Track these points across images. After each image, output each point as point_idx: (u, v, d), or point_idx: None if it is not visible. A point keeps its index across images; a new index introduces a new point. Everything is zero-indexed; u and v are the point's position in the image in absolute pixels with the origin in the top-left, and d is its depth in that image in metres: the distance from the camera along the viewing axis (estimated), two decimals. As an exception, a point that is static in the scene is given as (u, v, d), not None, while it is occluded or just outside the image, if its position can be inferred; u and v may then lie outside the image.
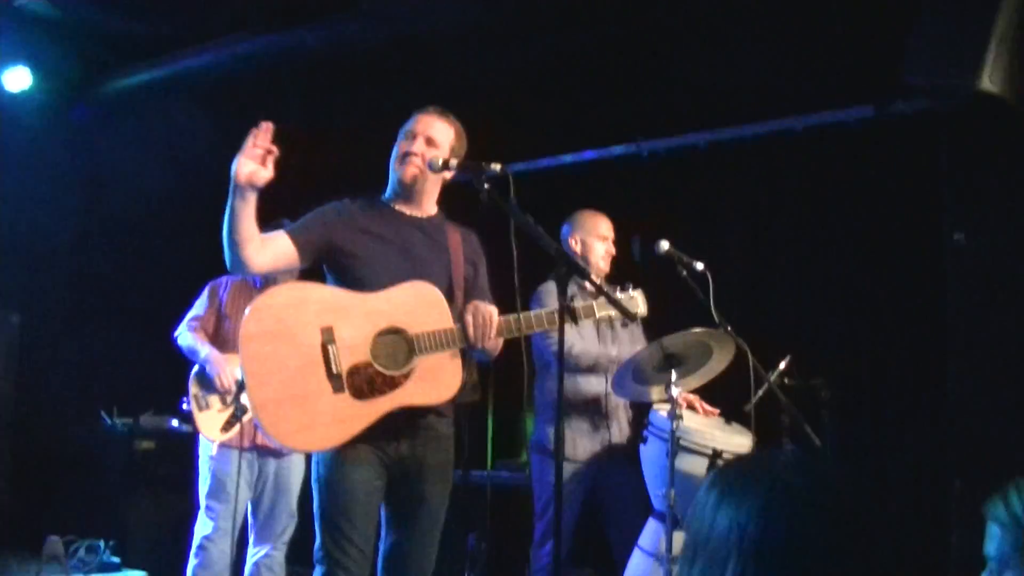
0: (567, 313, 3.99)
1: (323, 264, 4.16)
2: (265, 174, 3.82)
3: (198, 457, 5.90)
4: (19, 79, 7.66)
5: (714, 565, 1.64)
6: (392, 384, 4.01)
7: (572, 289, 5.62)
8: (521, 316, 4.19)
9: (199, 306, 6.04)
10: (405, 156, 4.25)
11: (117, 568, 6.76)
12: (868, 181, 6.63)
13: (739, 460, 1.79)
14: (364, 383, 3.95)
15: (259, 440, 5.74)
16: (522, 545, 5.92)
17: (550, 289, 5.38)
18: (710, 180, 7.30)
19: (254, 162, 3.81)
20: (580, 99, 7.43)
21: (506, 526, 7.24)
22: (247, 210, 3.86)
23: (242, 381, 5.61)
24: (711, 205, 7.30)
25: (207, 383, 5.75)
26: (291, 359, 3.86)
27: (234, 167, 3.81)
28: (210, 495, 5.84)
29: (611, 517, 5.70)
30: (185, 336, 5.93)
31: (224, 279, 6.08)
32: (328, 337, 3.91)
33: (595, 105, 7.43)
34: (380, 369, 3.99)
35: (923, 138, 6.32)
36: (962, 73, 5.08)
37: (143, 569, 6.83)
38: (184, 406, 5.85)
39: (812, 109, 6.84)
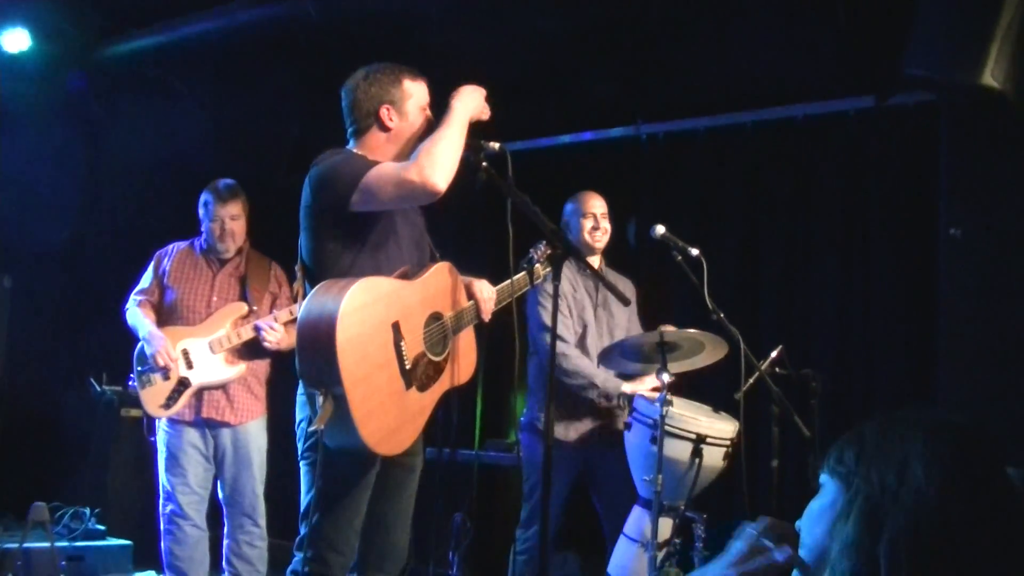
0: (557, 276, 4.01)
1: (348, 218, 3.97)
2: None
3: (155, 434, 5.84)
4: (18, 40, 7.61)
5: (870, 518, 1.68)
6: (439, 370, 4.08)
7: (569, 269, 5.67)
8: (508, 283, 4.42)
9: (145, 279, 5.96)
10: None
11: (102, 536, 6.74)
12: (866, 172, 6.61)
13: (869, 425, 1.81)
14: (423, 374, 3.97)
15: (204, 412, 5.70)
16: (508, 525, 5.93)
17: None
18: (708, 165, 7.29)
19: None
20: (580, 80, 7.41)
21: (493, 506, 7.25)
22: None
23: (186, 352, 5.62)
24: (708, 191, 7.28)
25: (147, 360, 5.64)
26: (374, 362, 3.77)
27: (480, 97, 4.15)
28: (167, 471, 5.78)
29: (603, 501, 5.71)
30: (131, 312, 5.85)
31: (170, 247, 6.02)
32: (397, 334, 3.86)
33: (595, 86, 7.40)
34: (432, 357, 4.03)
35: (923, 130, 6.31)
36: (964, 67, 5.06)
37: (128, 538, 6.81)
38: (130, 383, 5.77)
39: (813, 98, 6.82)
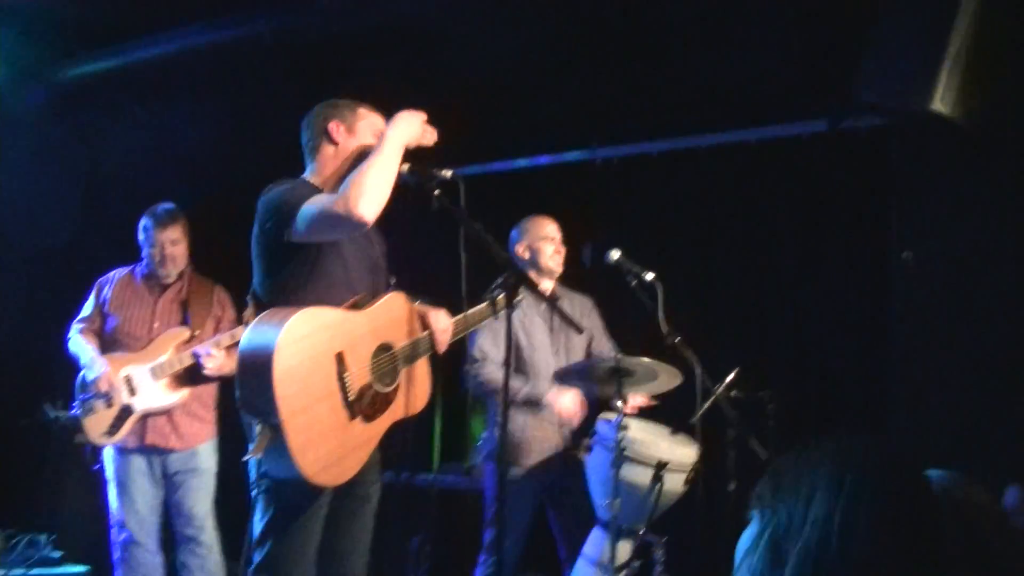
0: (493, 304, 4.04)
1: (294, 248, 3.95)
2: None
3: (99, 464, 5.82)
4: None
5: (775, 551, 1.69)
6: (387, 401, 4.07)
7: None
8: (464, 316, 4.39)
9: (86, 307, 5.96)
10: None
11: (59, 563, 6.71)
12: (819, 195, 6.67)
13: (789, 456, 1.81)
14: (368, 406, 3.96)
15: (148, 439, 5.68)
16: (468, 548, 5.92)
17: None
18: (663, 189, 7.32)
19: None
20: (535, 104, 7.42)
21: (452, 529, 7.24)
22: (399, 159, 3.98)
23: (128, 379, 5.61)
24: (663, 213, 7.31)
25: (90, 388, 5.64)
26: (315, 393, 3.76)
27: (417, 122, 4.05)
28: (117, 499, 5.77)
29: (561, 523, 5.71)
30: (72, 340, 5.84)
31: (111, 275, 6.01)
32: (342, 365, 3.85)
33: (550, 111, 7.42)
34: (378, 389, 4.01)
35: (874, 154, 6.37)
36: (914, 93, 5.11)
37: (85, 563, 6.77)
38: (72, 411, 5.72)
39: (765, 121, 6.87)
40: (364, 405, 3.93)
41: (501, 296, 4.30)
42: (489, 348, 5.59)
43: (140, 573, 5.73)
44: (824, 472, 1.69)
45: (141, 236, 5.90)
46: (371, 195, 3.77)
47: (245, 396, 3.76)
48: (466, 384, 5.72)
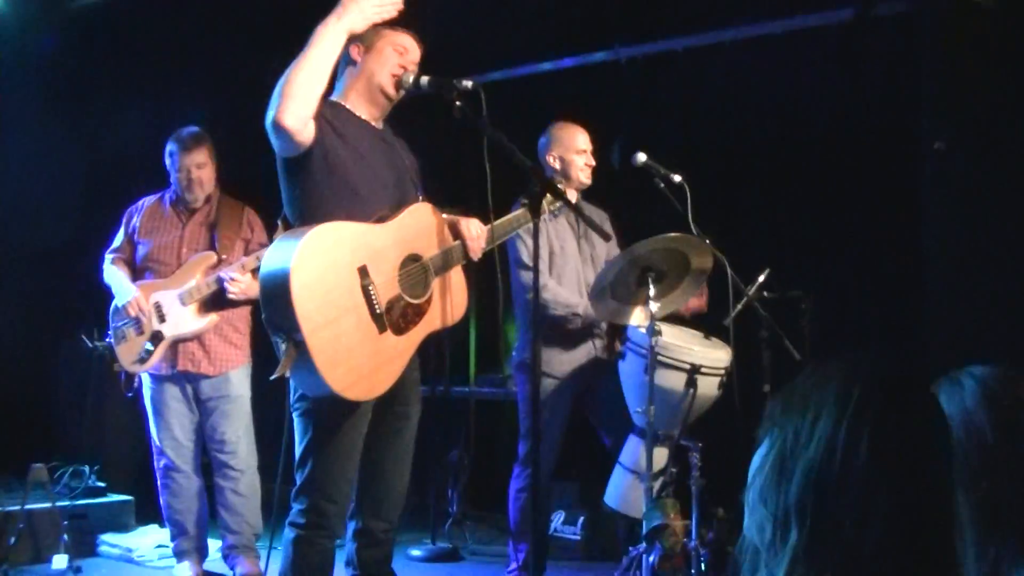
0: (533, 208, 3.97)
1: (299, 163, 3.95)
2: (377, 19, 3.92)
3: (131, 391, 5.82)
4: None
5: (781, 469, 1.65)
6: (420, 312, 4.05)
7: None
8: (495, 224, 4.30)
9: (117, 237, 5.94)
10: (402, 71, 4.16)
11: (103, 493, 6.78)
12: (848, 85, 6.56)
13: (801, 375, 1.75)
14: (399, 317, 3.95)
15: (180, 365, 5.68)
16: (506, 458, 5.94)
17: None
18: (689, 86, 7.23)
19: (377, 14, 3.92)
20: (557, 5, 7.31)
21: (490, 439, 7.28)
22: (336, 51, 3.87)
23: (158, 305, 5.60)
24: (689, 112, 7.23)
25: (121, 315, 5.64)
26: (339, 307, 3.74)
27: (357, 4, 3.87)
28: (155, 426, 5.80)
29: (603, 425, 5.69)
30: (106, 270, 5.84)
31: (140, 203, 5.97)
32: (365, 278, 3.83)
33: (572, 11, 7.32)
34: (409, 300, 3.99)
35: (904, 42, 6.25)
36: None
37: (128, 493, 6.85)
38: (107, 339, 5.74)
39: (791, 12, 6.75)
40: (395, 317, 3.92)
41: (543, 206, 4.27)
42: (549, 281, 5.54)
43: (180, 497, 5.78)
44: (831, 389, 1.65)
45: (167, 161, 5.85)
46: (292, 100, 3.74)
47: (269, 315, 3.77)
48: (515, 302, 5.66)
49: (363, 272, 3.83)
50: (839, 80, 6.58)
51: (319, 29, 3.83)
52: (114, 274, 5.77)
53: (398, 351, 3.95)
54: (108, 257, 5.88)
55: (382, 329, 3.87)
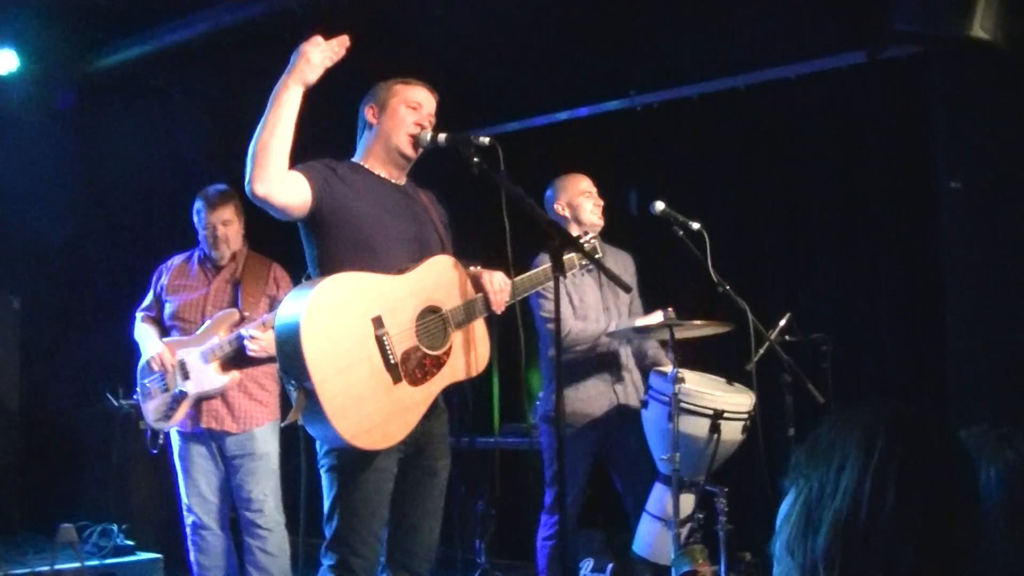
0: (555, 264, 3.99)
1: (312, 223, 4.00)
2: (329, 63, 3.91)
3: (157, 448, 5.78)
4: (5, 61, 7.59)
5: (808, 519, 1.68)
6: (438, 364, 4.03)
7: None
8: (517, 280, 4.29)
9: (148, 296, 5.95)
10: (419, 129, 4.19)
11: (131, 551, 6.78)
12: (862, 128, 6.60)
13: (824, 423, 1.79)
14: (416, 368, 3.94)
15: (204, 422, 5.63)
16: (532, 507, 5.94)
17: (545, 261, 5.34)
18: (704, 132, 7.27)
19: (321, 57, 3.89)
20: (571, 55, 7.38)
21: (516, 489, 7.28)
22: (294, 108, 3.85)
23: (182, 363, 5.57)
24: (706, 157, 7.28)
25: (147, 371, 5.63)
26: (351, 356, 3.76)
27: (303, 47, 3.88)
28: (183, 483, 5.77)
29: (622, 478, 5.70)
30: (136, 328, 5.85)
31: (169, 261, 5.98)
32: (380, 327, 3.84)
33: (587, 61, 7.38)
34: (427, 351, 3.99)
35: (916, 83, 6.29)
36: (952, 20, 5.02)
37: (156, 550, 6.85)
38: (134, 397, 5.77)
39: (804, 57, 6.79)
40: (411, 367, 3.91)
41: (569, 256, 4.34)
42: (571, 318, 5.58)
43: (208, 554, 5.75)
44: (855, 439, 1.67)
45: (195, 219, 5.86)
46: (258, 167, 3.78)
47: (281, 362, 3.81)
48: (541, 353, 5.69)
49: (377, 322, 3.84)
50: (853, 123, 6.61)
51: (275, 91, 3.85)
52: (143, 332, 5.78)
53: (414, 401, 3.95)
54: (139, 315, 5.89)
55: (397, 379, 3.87)
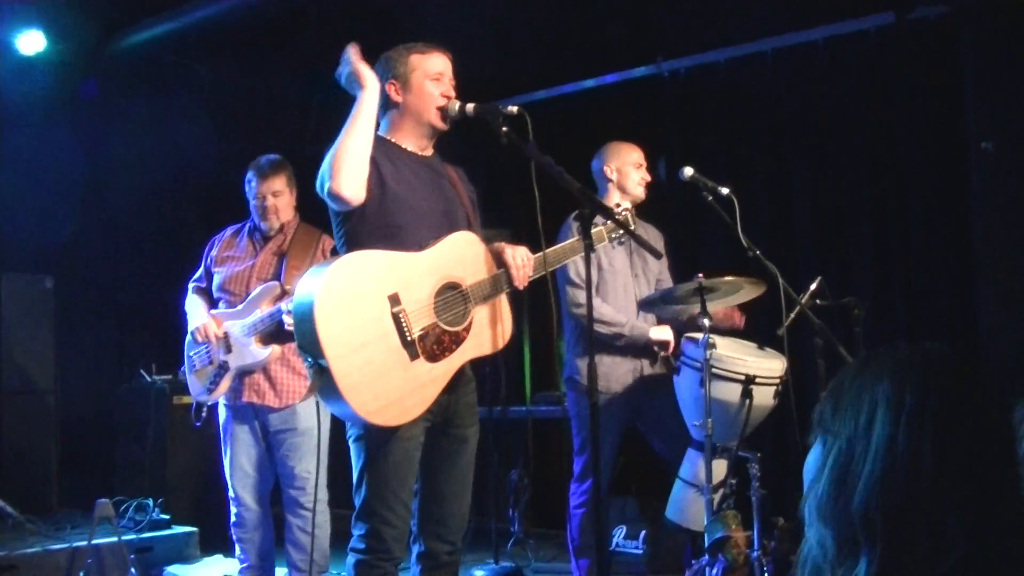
0: (584, 230, 3.99)
1: (342, 213, 4.01)
2: None
3: (200, 421, 5.76)
4: (33, 42, 7.61)
5: (842, 474, 1.59)
6: (457, 340, 4.02)
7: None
8: (546, 253, 4.24)
9: (199, 268, 5.94)
10: (446, 101, 4.17)
11: (167, 525, 6.81)
12: (892, 90, 6.56)
13: (846, 371, 1.70)
14: (434, 345, 3.93)
15: (246, 397, 5.58)
16: (564, 477, 5.95)
17: (572, 226, 5.33)
18: (732, 97, 7.24)
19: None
20: (597, 22, 7.35)
21: (549, 459, 7.29)
22: (370, 113, 3.95)
23: (227, 335, 5.56)
24: (734, 123, 7.25)
25: (193, 344, 5.64)
26: (366, 334, 3.76)
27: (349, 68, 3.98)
28: (225, 455, 5.75)
29: (662, 442, 5.70)
30: (188, 299, 5.84)
31: (222, 232, 5.95)
32: (396, 304, 3.84)
33: (613, 28, 7.34)
34: (445, 327, 3.98)
35: (946, 43, 6.24)
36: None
37: (192, 524, 6.90)
38: (181, 370, 5.77)
39: (831, 19, 6.74)
40: (428, 344, 3.90)
41: (600, 229, 4.35)
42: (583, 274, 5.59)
43: (244, 528, 5.73)
44: (883, 390, 1.58)
45: (246, 189, 5.82)
46: (345, 172, 3.84)
47: (299, 340, 3.81)
48: (564, 318, 5.68)
49: (394, 299, 3.84)
50: (882, 85, 6.57)
51: (357, 105, 3.93)
52: (192, 303, 5.78)
53: (432, 377, 3.93)
54: (191, 287, 5.88)
55: (414, 356, 3.86)
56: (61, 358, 7.90)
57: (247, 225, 5.90)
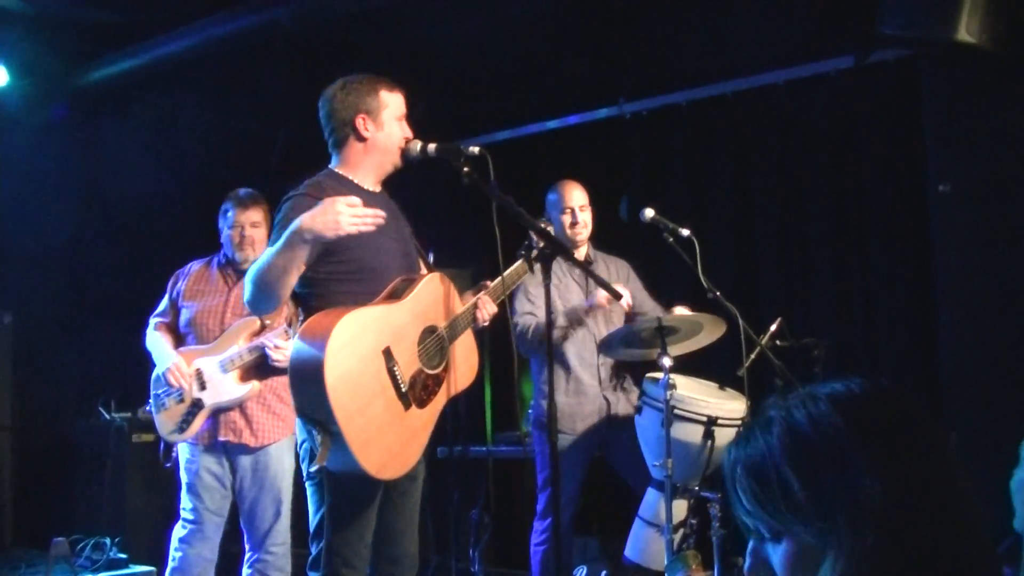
0: (546, 274, 4.03)
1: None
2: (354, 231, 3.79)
3: (170, 462, 5.66)
4: (-5, 76, 7.59)
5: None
6: (439, 382, 4.07)
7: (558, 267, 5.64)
8: (492, 286, 4.34)
9: (162, 301, 5.79)
10: (407, 142, 4.19)
11: (124, 564, 6.76)
12: (852, 132, 6.61)
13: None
14: (421, 390, 3.97)
15: (222, 435, 5.47)
16: (526, 516, 5.95)
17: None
18: (694, 139, 7.28)
19: (352, 226, 3.75)
20: (559, 64, 7.39)
21: (509, 498, 7.27)
22: (304, 258, 3.78)
23: (199, 372, 5.43)
24: (696, 164, 7.28)
25: (162, 383, 5.46)
26: (369, 392, 3.75)
27: (337, 206, 3.72)
28: (187, 494, 5.58)
29: (629, 476, 5.70)
30: (148, 336, 5.68)
31: (187, 267, 5.83)
32: (390, 359, 3.84)
33: (574, 69, 7.39)
34: (428, 371, 4.02)
35: (905, 86, 6.30)
36: (938, 24, 5.05)
37: (150, 564, 6.83)
38: (147, 408, 5.68)
39: (792, 62, 6.80)
40: (417, 391, 3.94)
41: (533, 253, 4.33)
42: (529, 308, 5.61)
43: (192, 572, 5.56)
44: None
45: (220, 220, 5.74)
46: (265, 300, 3.87)
47: (301, 405, 3.77)
48: (518, 344, 5.66)
49: (387, 354, 3.85)
50: (843, 127, 6.62)
51: (290, 235, 3.74)
52: (156, 340, 5.62)
53: (423, 423, 3.98)
54: (152, 322, 5.74)
55: (407, 406, 3.89)
56: (19, 394, 7.85)
57: (215, 259, 5.81)
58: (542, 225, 4.29)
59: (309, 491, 4.06)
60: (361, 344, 3.78)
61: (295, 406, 3.82)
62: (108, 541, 6.70)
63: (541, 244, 4.16)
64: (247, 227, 5.66)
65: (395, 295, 4.03)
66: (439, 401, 4.07)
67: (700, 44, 6.88)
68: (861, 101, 6.55)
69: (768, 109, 6.90)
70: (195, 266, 5.83)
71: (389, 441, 3.81)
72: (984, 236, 5.72)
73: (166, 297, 5.79)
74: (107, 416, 7.24)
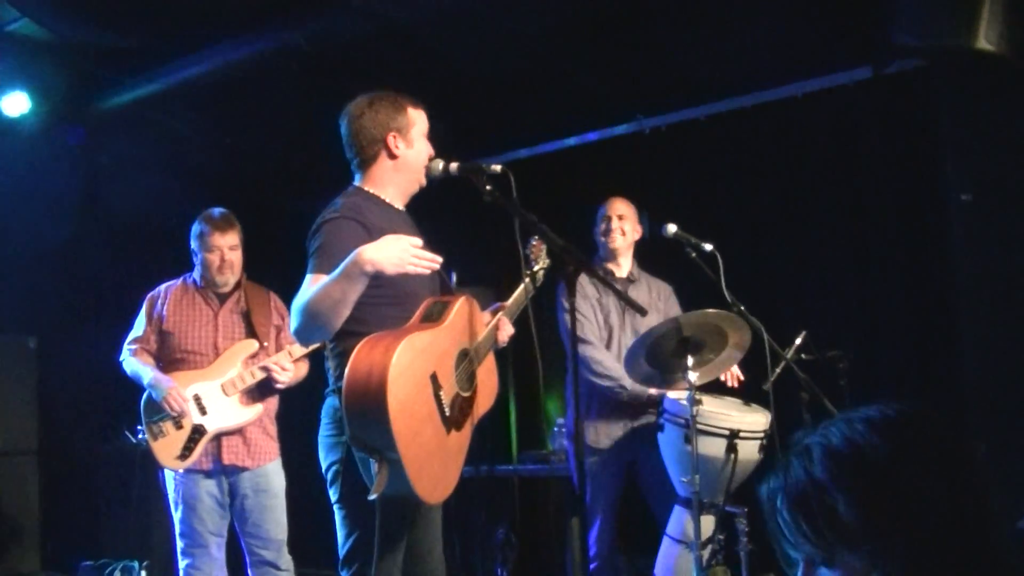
0: (571, 293, 4.01)
1: None
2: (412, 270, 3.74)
3: (164, 487, 5.58)
4: (17, 103, 7.62)
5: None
6: (471, 404, 4.06)
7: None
8: (506, 307, 4.32)
9: (138, 326, 5.65)
10: (430, 160, 4.17)
11: (152, 588, 6.78)
12: (870, 144, 6.60)
13: None
14: (458, 414, 3.95)
15: (225, 459, 5.45)
16: (552, 533, 5.94)
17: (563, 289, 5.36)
18: (713, 153, 7.28)
19: (413, 267, 3.71)
20: (578, 81, 7.39)
21: (535, 517, 7.25)
22: (359, 290, 3.69)
23: (197, 397, 5.39)
24: (716, 178, 7.28)
25: (156, 409, 5.38)
26: (421, 418, 3.72)
27: (389, 256, 3.63)
28: (185, 522, 5.52)
29: (653, 497, 5.70)
30: (127, 362, 5.57)
31: (160, 289, 5.71)
32: (436, 384, 3.82)
33: (593, 86, 7.39)
34: (463, 394, 4.00)
35: (922, 96, 6.28)
36: (956, 32, 5.02)
37: (178, 587, 6.84)
38: (139, 436, 5.60)
39: (809, 75, 6.79)
40: (455, 414, 3.92)
41: (539, 271, 4.44)
42: (588, 334, 5.64)
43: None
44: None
45: (194, 243, 5.62)
46: (316, 330, 3.78)
47: (357, 433, 3.66)
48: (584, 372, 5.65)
49: (434, 379, 3.82)
50: (861, 138, 6.61)
51: (351, 267, 3.64)
52: (139, 365, 5.49)
53: (459, 446, 3.97)
54: (128, 348, 5.60)
55: (448, 430, 3.88)
56: (45, 419, 7.86)
57: (191, 281, 5.71)
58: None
59: (338, 516, 4.01)
60: (416, 370, 3.74)
61: (349, 436, 3.69)
62: (136, 565, 6.71)
63: (565, 264, 4.12)
64: (226, 251, 5.57)
65: (431, 318, 3.98)
66: (471, 423, 4.07)
67: (718, 58, 6.86)
68: (879, 112, 6.54)
69: (787, 121, 6.90)
70: (172, 287, 5.72)
71: (434, 466, 3.79)
72: (1006, 245, 5.69)
73: (143, 322, 5.66)
74: (133, 440, 7.24)
